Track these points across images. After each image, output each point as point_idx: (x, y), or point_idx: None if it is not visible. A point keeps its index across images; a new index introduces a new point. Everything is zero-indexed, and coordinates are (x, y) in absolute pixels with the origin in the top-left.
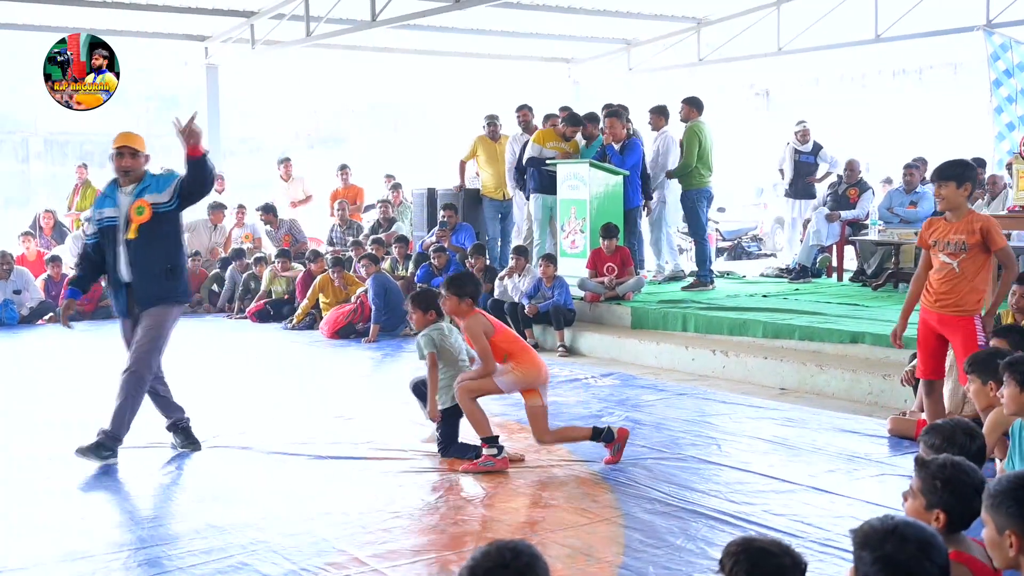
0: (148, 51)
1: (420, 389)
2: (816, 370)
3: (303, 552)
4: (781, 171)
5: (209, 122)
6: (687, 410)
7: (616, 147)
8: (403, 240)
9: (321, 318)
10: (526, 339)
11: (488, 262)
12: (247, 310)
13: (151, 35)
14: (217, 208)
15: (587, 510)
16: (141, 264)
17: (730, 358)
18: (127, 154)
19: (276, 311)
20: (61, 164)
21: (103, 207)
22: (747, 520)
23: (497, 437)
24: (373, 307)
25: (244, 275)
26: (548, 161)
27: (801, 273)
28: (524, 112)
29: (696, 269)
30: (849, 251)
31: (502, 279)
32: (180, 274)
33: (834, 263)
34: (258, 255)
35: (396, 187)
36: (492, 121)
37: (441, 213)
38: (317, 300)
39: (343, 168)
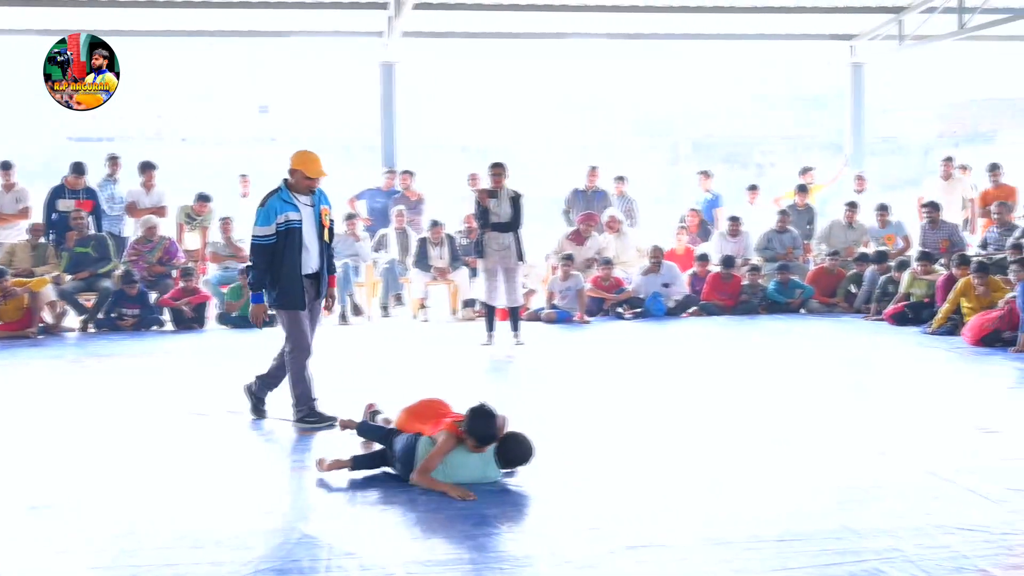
0: (793, 52)
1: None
2: None
3: (941, 567)
4: None
5: (853, 122)
6: None
7: None
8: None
9: (963, 324)
10: None
11: None
12: (884, 312)
13: (798, 37)
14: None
15: None
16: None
17: None
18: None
19: (915, 315)
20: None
21: (286, 211)
22: None
23: None
24: (1022, 313)
25: (883, 277)
26: None
27: None
28: None
29: None
30: None
31: None
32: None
33: None
34: (901, 259)
35: None
36: None
37: None
38: (959, 305)
39: (994, 168)
